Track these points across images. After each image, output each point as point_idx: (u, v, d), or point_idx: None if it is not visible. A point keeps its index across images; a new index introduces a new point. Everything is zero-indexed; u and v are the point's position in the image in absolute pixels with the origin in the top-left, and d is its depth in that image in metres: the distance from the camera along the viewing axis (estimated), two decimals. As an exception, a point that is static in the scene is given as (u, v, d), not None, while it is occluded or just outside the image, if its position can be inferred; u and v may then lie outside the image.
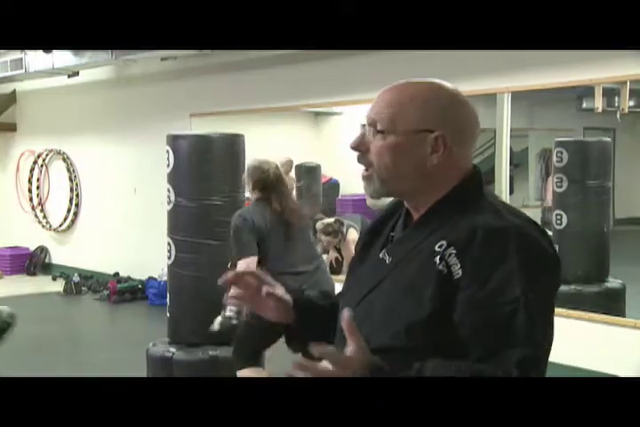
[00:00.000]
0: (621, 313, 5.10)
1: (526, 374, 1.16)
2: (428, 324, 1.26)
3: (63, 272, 8.93)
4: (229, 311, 3.84)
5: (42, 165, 9.52)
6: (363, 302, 1.40)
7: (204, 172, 4.53)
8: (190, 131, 6.28)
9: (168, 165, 4.64)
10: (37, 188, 9.63)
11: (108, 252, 8.56)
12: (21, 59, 7.62)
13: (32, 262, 9.53)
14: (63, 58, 7.24)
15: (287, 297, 1.54)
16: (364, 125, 1.40)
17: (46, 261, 9.58)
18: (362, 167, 1.41)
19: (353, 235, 6.08)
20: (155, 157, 7.49)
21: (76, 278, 8.31)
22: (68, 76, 8.05)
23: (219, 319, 3.93)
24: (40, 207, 9.60)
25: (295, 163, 8.25)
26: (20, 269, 9.48)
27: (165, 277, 6.36)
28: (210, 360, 4.38)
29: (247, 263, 3.64)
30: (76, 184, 9.09)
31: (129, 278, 8.13)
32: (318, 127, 9.15)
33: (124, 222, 8.22)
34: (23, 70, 7.69)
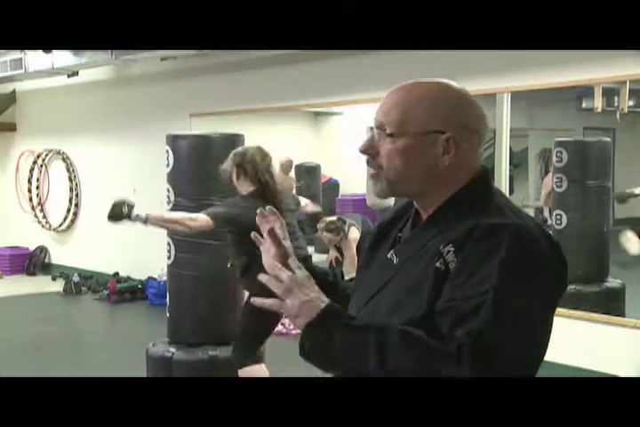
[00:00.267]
0: (621, 313, 5.10)
1: (465, 364, 1.15)
2: (425, 321, 1.25)
3: (63, 272, 8.93)
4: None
5: (41, 165, 9.52)
6: (370, 302, 1.40)
7: (203, 172, 4.52)
8: (190, 131, 6.28)
9: (168, 165, 4.64)
10: (37, 188, 9.62)
11: (107, 252, 8.56)
12: (21, 59, 7.62)
13: (32, 262, 9.52)
14: (63, 58, 7.24)
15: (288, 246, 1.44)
16: (371, 128, 1.39)
17: (46, 261, 9.58)
18: (368, 167, 1.41)
19: (354, 233, 6.08)
20: (154, 157, 7.49)
21: (75, 278, 8.31)
22: (68, 76, 8.05)
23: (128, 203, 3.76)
24: (40, 207, 9.60)
25: (295, 163, 8.26)
26: (19, 269, 9.48)
27: (165, 277, 6.36)
28: (210, 360, 4.38)
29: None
30: (76, 184, 9.08)
31: (129, 278, 8.12)
32: (318, 127, 9.16)
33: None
34: (23, 70, 7.68)
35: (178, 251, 4.60)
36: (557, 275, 1.31)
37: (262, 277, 1.31)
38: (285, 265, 1.31)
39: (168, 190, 4.63)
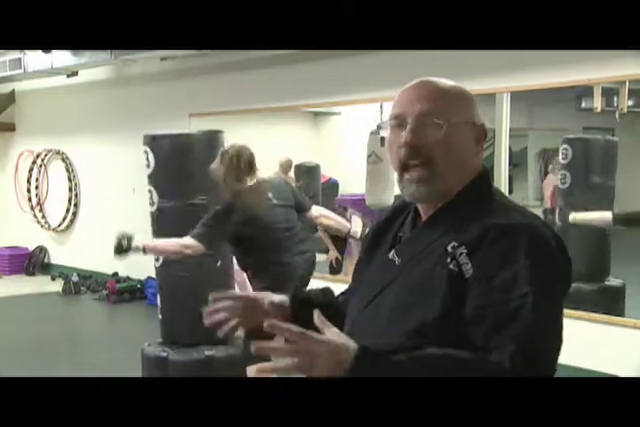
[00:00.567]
0: (621, 313, 5.09)
1: (518, 370, 1.15)
2: (440, 323, 1.25)
3: (62, 272, 8.93)
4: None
5: (41, 165, 9.52)
6: (372, 303, 1.39)
7: (185, 171, 4.44)
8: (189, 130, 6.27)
9: (148, 166, 4.52)
10: (36, 188, 9.62)
11: (106, 252, 8.49)
12: (20, 58, 7.61)
13: (31, 262, 9.52)
14: (62, 58, 7.24)
15: (283, 299, 1.54)
16: (398, 124, 1.37)
17: (45, 261, 9.58)
18: (408, 172, 1.37)
19: (357, 221, 6.11)
20: (154, 157, 7.49)
21: (74, 278, 8.31)
22: (67, 76, 8.04)
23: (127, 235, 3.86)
24: (39, 207, 9.60)
25: (294, 163, 8.26)
26: (18, 269, 9.48)
27: (164, 277, 6.33)
28: (205, 360, 4.36)
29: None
30: (75, 184, 9.08)
31: (128, 278, 8.12)
32: (317, 127, 9.15)
33: (123, 222, 8.19)
34: (22, 70, 7.68)
35: (165, 253, 4.53)
36: (566, 274, 1.32)
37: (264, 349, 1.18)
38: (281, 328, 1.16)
39: (150, 192, 4.52)
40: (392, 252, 1.41)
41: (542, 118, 8.00)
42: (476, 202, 1.35)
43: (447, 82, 1.41)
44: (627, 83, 4.90)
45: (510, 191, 5.78)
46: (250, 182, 3.80)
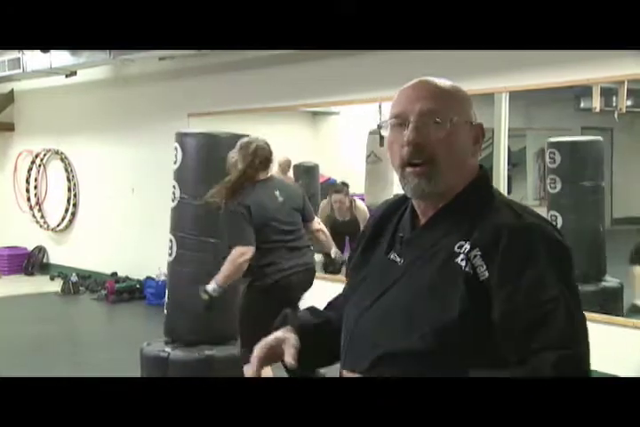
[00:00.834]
0: (619, 313, 5.10)
1: (562, 374, 1.15)
2: (458, 325, 1.24)
3: (61, 272, 8.93)
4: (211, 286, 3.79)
5: (40, 165, 9.51)
6: (376, 303, 1.37)
7: (210, 170, 4.53)
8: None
9: (175, 162, 4.68)
10: (35, 187, 9.62)
11: (106, 252, 8.56)
12: (19, 58, 7.61)
13: (30, 262, 9.52)
14: (61, 57, 7.24)
15: (294, 339, 1.48)
16: (399, 123, 1.37)
17: (44, 261, 9.57)
18: (411, 168, 1.37)
19: (360, 202, 6.34)
20: (153, 157, 7.49)
21: (73, 278, 8.31)
22: (66, 76, 8.04)
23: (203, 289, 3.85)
24: (38, 207, 9.59)
25: (293, 162, 8.25)
26: (17, 269, 9.48)
27: (163, 277, 6.36)
28: (205, 360, 4.36)
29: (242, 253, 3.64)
30: (74, 184, 9.08)
31: (127, 278, 8.12)
32: (316, 127, 9.15)
33: (123, 222, 8.21)
34: (21, 70, 7.68)
35: (179, 248, 4.60)
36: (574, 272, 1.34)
37: None
38: None
39: (174, 187, 4.66)
40: (393, 252, 1.40)
41: (541, 118, 8.00)
42: (478, 202, 1.35)
43: (446, 81, 1.41)
44: (625, 83, 4.90)
45: (509, 191, 5.78)
46: (264, 176, 3.88)
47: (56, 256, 9.46)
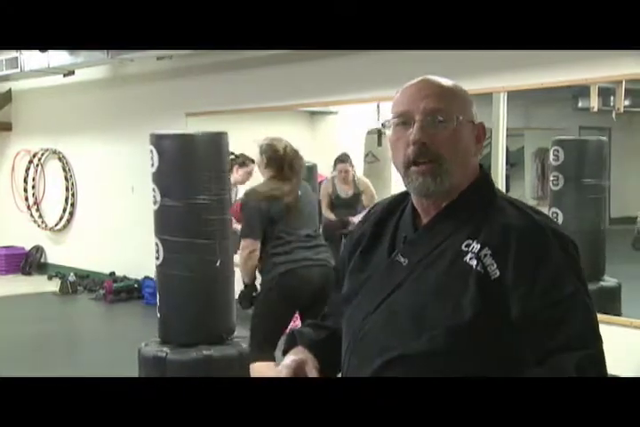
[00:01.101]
0: (617, 312, 5.10)
1: (585, 374, 1.16)
2: (471, 326, 1.24)
3: (59, 272, 8.92)
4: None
5: (37, 165, 9.50)
6: (381, 307, 1.35)
7: (189, 171, 4.49)
8: (186, 130, 6.26)
9: (152, 165, 4.58)
10: (33, 187, 9.61)
11: (103, 251, 8.55)
12: (17, 58, 7.60)
13: (28, 262, 9.51)
14: (59, 57, 7.23)
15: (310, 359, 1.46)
16: (404, 122, 1.36)
17: (42, 260, 9.56)
18: (416, 167, 1.36)
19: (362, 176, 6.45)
20: (150, 157, 7.47)
21: (71, 278, 8.30)
22: (64, 76, 8.03)
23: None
24: (36, 207, 9.58)
25: (291, 162, 8.25)
26: (15, 269, 9.47)
27: (162, 277, 6.32)
28: (204, 360, 4.35)
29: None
30: (72, 183, 9.07)
31: (125, 278, 8.11)
32: (314, 127, 9.14)
33: (120, 222, 8.21)
34: (19, 69, 7.67)
35: (166, 251, 4.54)
36: None
37: None
38: None
39: (154, 190, 4.57)
40: (396, 253, 1.38)
41: (539, 118, 8.01)
42: (481, 201, 1.35)
43: (448, 80, 1.41)
44: (623, 82, 4.91)
45: (507, 190, 5.79)
46: (290, 184, 3.94)
47: (54, 256, 9.46)
